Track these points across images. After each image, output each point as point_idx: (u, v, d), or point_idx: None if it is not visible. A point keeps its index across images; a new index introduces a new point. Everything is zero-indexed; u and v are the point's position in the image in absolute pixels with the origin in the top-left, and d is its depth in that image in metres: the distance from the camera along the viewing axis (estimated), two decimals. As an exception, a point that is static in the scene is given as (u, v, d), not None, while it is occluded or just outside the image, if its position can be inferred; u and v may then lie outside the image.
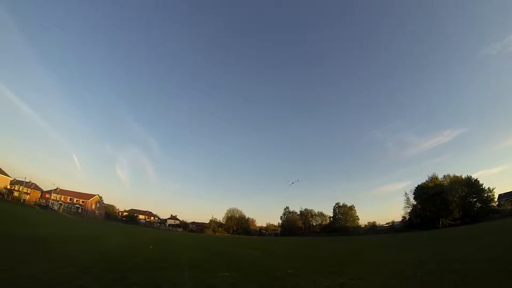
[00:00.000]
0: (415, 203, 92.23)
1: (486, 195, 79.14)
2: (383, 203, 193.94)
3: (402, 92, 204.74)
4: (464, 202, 79.96)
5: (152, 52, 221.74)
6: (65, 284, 8.51)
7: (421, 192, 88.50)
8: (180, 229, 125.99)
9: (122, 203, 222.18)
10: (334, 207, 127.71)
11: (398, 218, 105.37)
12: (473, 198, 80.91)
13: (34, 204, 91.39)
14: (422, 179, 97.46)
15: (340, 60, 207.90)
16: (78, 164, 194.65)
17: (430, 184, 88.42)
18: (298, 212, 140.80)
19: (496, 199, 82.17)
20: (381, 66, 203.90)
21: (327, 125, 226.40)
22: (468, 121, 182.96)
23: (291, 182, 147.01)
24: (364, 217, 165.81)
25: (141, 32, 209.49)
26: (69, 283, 8.67)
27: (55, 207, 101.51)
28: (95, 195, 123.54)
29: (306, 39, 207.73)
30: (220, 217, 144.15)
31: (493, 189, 79.45)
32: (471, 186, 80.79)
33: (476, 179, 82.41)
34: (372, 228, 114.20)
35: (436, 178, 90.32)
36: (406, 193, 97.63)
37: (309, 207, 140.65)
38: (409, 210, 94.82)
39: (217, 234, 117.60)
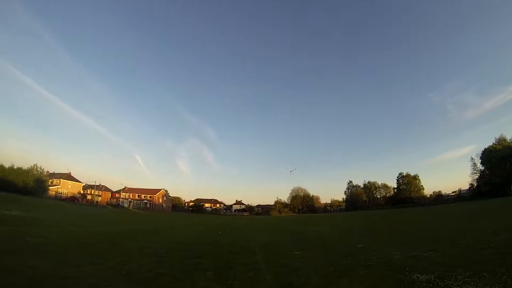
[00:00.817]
0: (482, 168, 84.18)
1: None
2: (448, 170, 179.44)
3: (456, 49, 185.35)
4: None
5: (200, 42, 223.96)
6: (145, 273, 8.84)
7: (488, 156, 79.61)
8: (246, 213, 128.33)
9: (187, 194, 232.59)
10: (397, 177, 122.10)
11: (465, 185, 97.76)
12: (548, 160, 71.99)
13: (106, 204, 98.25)
14: (488, 142, 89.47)
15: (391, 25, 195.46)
16: (141, 162, 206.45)
17: (497, 146, 79.26)
18: (362, 186, 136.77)
19: None
20: (429, 23, 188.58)
21: (382, 92, 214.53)
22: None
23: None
24: (429, 187, 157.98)
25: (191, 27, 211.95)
26: (148, 272, 9.00)
27: (125, 205, 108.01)
28: (161, 190, 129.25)
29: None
30: (284, 197, 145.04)
31: None
32: (546, 145, 71.57)
33: (551, 137, 73.92)
34: (438, 197, 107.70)
35: (504, 139, 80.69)
36: (472, 158, 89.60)
37: (372, 180, 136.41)
38: (476, 177, 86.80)
39: (283, 214, 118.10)
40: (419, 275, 7.53)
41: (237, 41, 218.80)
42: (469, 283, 6.49)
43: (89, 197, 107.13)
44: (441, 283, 6.72)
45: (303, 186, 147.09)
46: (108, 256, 11.13)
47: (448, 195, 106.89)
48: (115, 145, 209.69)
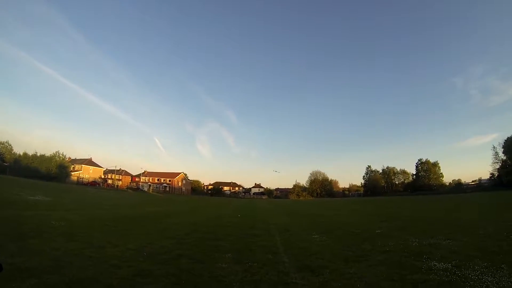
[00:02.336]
0: (504, 158, 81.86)
1: None
2: (468, 158, 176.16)
3: (481, 32, 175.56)
4: None
5: (217, 24, 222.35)
6: (165, 254, 8.98)
7: (511, 145, 78.03)
8: (264, 197, 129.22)
9: (206, 177, 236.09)
10: (416, 163, 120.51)
11: (485, 175, 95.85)
12: None
13: (127, 188, 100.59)
14: None
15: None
16: (161, 146, 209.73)
17: None
18: (380, 171, 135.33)
19: None
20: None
21: (402, 76, 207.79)
22: None
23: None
24: (449, 175, 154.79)
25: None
26: (169, 253, 9.15)
27: (145, 188, 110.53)
28: (180, 173, 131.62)
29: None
30: (303, 181, 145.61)
31: None
32: None
33: None
34: (458, 186, 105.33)
35: None
36: (494, 147, 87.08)
37: (391, 165, 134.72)
38: (498, 166, 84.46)
39: (301, 198, 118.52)
40: (436, 263, 7.48)
41: (258, 23, 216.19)
42: (487, 273, 6.38)
43: (109, 181, 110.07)
44: (458, 272, 6.63)
45: (322, 170, 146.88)
46: (129, 238, 11.37)
47: (467, 184, 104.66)
48: (134, 129, 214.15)
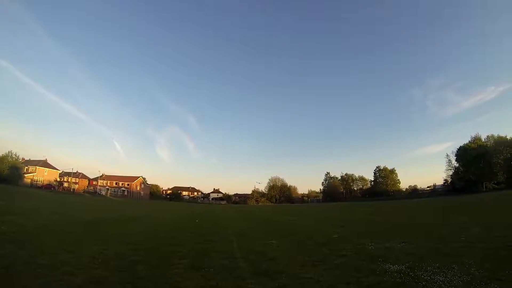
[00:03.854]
0: (457, 165, 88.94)
1: (533, 157, 74.47)
2: (424, 165, 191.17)
3: (441, 47, 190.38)
4: (509, 164, 75.73)
5: (180, 31, 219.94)
6: (121, 260, 8.95)
7: (463, 153, 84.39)
8: (223, 202, 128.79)
9: (165, 182, 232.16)
10: (374, 170, 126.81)
11: (440, 181, 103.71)
12: (519, 161, 76.35)
13: (83, 192, 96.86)
14: (464, 140, 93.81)
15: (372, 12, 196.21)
16: (120, 149, 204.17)
17: (472, 145, 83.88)
18: (339, 177, 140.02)
19: (544, 162, 76.63)
20: (413, 21, 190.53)
21: (362, 82, 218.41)
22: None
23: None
24: (405, 181, 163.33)
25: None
26: (124, 259, 9.11)
27: (103, 192, 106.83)
28: (139, 177, 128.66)
29: None
30: (262, 187, 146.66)
31: (542, 151, 74.61)
32: (517, 147, 75.92)
33: (523, 139, 77.63)
34: (414, 191, 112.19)
35: (479, 138, 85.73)
36: (447, 155, 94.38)
37: (349, 172, 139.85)
38: (451, 173, 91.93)
39: (260, 204, 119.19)
40: (391, 265, 7.93)
41: (224, 33, 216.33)
42: (438, 274, 6.88)
43: (65, 184, 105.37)
44: (412, 273, 7.09)
45: (281, 176, 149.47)
46: (84, 244, 11.17)
47: (423, 190, 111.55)
48: (93, 131, 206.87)
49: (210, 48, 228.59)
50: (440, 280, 6.38)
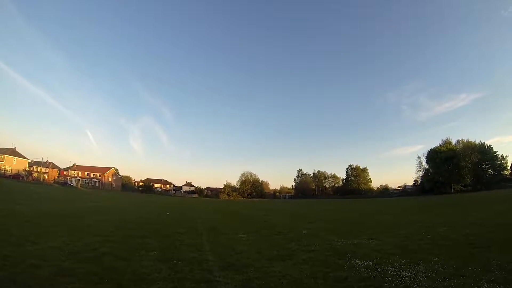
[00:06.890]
0: (427, 167, 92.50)
1: (499, 162, 79.80)
2: (395, 166, 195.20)
3: (416, 53, 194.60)
4: (476, 168, 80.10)
5: (158, 19, 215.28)
6: (90, 252, 8.97)
7: (433, 156, 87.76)
8: (195, 195, 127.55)
9: (138, 173, 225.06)
10: (347, 169, 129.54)
11: (410, 182, 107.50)
12: (485, 165, 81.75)
13: (53, 182, 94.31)
14: (435, 143, 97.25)
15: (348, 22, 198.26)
16: (92, 139, 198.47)
17: (443, 148, 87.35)
18: (311, 175, 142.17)
19: (509, 168, 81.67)
20: (391, 26, 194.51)
21: (340, 88, 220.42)
22: (484, 85, 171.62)
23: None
24: (377, 180, 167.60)
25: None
26: (92, 251, 9.14)
27: (73, 183, 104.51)
28: (111, 168, 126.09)
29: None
30: (234, 181, 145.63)
31: (506, 157, 79.95)
32: (484, 152, 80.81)
33: (490, 145, 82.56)
34: (384, 191, 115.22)
35: (450, 142, 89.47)
36: (418, 157, 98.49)
37: (322, 170, 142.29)
38: (421, 174, 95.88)
39: (231, 198, 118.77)
40: (359, 261, 8.29)
41: (200, 24, 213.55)
42: (404, 269, 7.27)
43: (35, 174, 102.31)
44: (379, 268, 7.45)
45: (254, 171, 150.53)
46: (52, 236, 11.05)
47: (394, 189, 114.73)
48: (66, 119, 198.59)
49: (188, 39, 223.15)
50: (406, 276, 6.76)
